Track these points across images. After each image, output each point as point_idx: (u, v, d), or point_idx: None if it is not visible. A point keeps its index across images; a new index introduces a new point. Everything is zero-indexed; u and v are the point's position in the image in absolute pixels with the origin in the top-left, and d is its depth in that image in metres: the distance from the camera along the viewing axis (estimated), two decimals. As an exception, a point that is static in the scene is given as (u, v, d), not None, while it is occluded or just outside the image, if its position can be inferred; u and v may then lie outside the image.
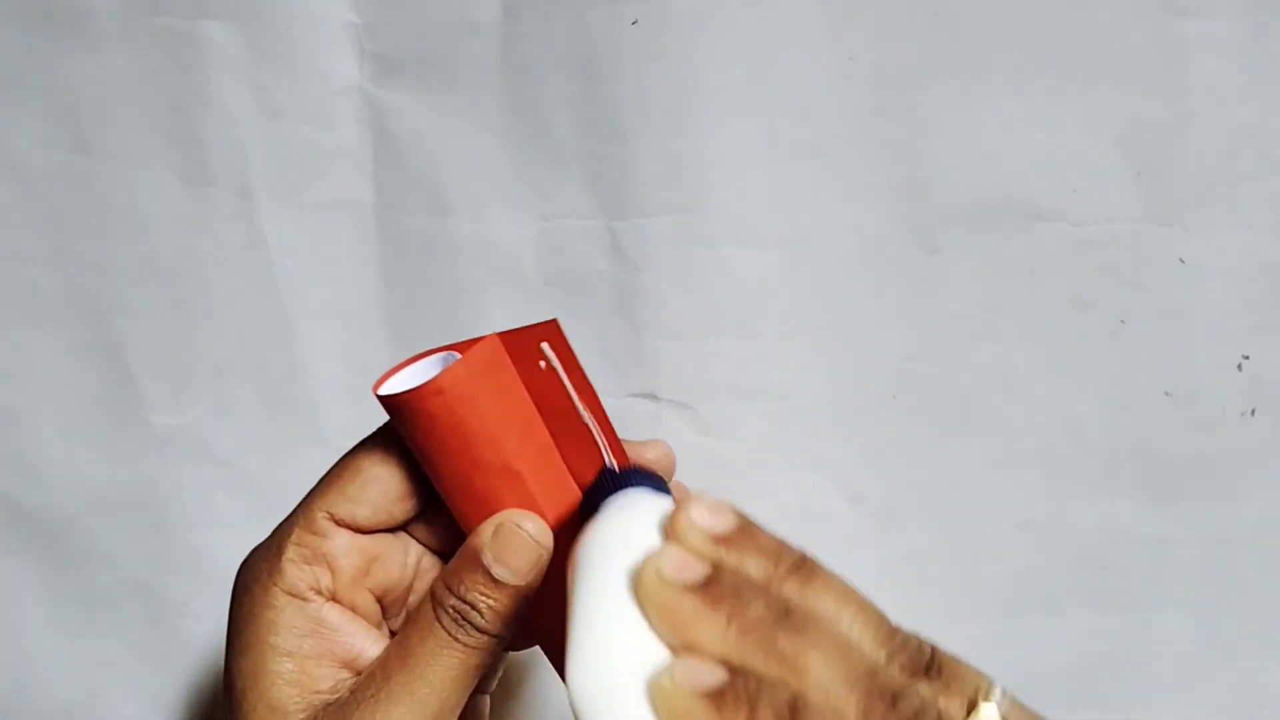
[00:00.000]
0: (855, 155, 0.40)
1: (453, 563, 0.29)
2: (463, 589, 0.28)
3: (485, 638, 0.28)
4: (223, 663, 0.43)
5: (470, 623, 0.28)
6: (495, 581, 0.28)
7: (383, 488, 0.29)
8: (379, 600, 0.31)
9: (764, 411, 0.42)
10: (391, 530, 0.31)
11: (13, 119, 0.42)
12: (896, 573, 0.42)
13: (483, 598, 0.28)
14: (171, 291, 0.43)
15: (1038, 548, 0.41)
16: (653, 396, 0.42)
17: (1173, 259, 0.40)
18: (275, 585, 0.29)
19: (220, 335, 0.43)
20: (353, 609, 0.30)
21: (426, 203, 0.42)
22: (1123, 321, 0.40)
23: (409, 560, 0.31)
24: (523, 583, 0.28)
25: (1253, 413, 0.40)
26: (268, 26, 0.40)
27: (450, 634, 0.28)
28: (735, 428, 0.42)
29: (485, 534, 0.28)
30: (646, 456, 0.33)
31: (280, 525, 0.30)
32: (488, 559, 0.28)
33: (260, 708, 0.28)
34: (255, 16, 0.40)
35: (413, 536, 0.31)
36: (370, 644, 0.29)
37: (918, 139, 0.39)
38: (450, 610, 0.28)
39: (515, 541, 0.28)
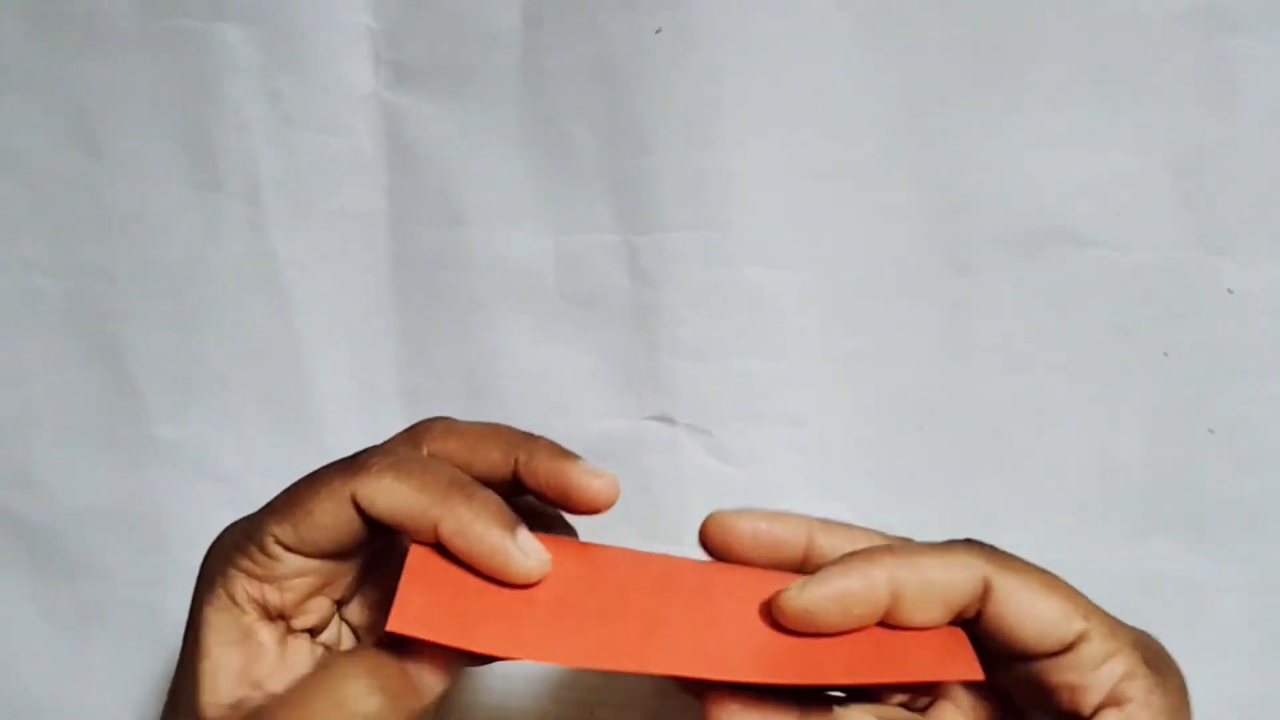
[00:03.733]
0: (886, 173, 0.39)
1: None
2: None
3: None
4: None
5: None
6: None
7: (331, 535, 0.29)
8: (336, 603, 0.31)
9: (785, 439, 0.40)
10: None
11: (22, 120, 0.41)
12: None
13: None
14: (178, 300, 0.42)
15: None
16: (669, 420, 0.41)
17: (1220, 289, 0.38)
18: (223, 589, 0.29)
19: (226, 346, 0.42)
20: (304, 617, 0.30)
21: (441, 214, 0.41)
22: (1166, 354, 0.39)
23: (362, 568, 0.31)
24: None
25: (1302, 454, 0.39)
26: (284, 31, 0.40)
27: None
28: (754, 454, 0.40)
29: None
30: None
31: (245, 526, 0.30)
32: None
33: (181, 705, 0.29)
34: (271, 20, 0.40)
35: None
36: (294, 654, 0.30)
37: (952, 158, 0.38)
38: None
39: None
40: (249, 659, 0.29)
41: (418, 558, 0.28)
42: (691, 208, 0.39)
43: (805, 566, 0.30)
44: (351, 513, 0.28)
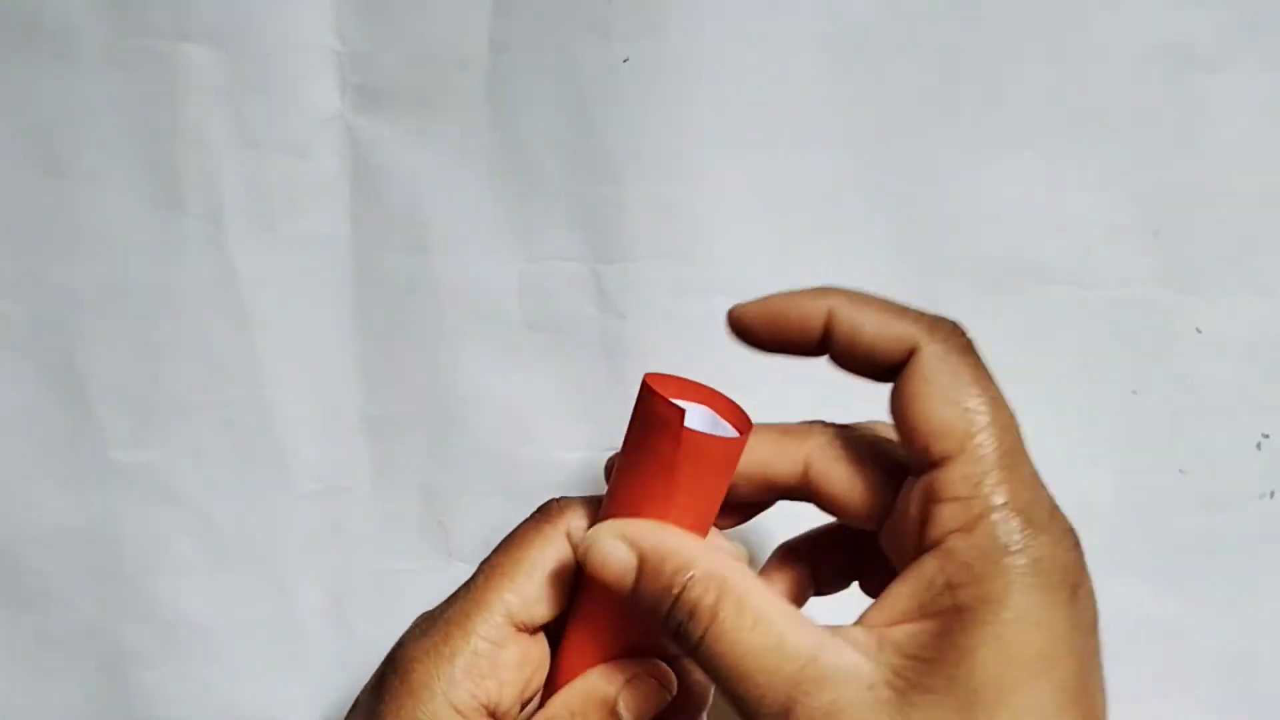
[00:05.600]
0: (855, 206, 0.38)
1: (573, 700, 0.28)
2: None
3: None
4: (180, 714, 0.42)
5: None
6: None
7: (561, 584, 0.28)
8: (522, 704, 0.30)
9: (752, 471, 0.40)
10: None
11: (-18, 138, 0.41)
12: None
13: None
14: (138, 322, 0.41)
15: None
16: (635, 451, 0.40)
17: (1189, 328, 0.38)
18: (445, 696, 0.27)
19: (187, 369, 0.41)
20: None
21: (406, 240, 0.40)
22: (1135, 392, 0.38)
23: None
24: None
25: (1272, 494, 0.38)
26: (249, 52, 0.39)
27: None
28: (721, 487, 0.40)
29: (617, 682, 0.28)
30: None
31: (452, 615, 0.28)
32: (620, 709, 0.28)
33: None
34: (236, 41, 0.39)
35: None
36: None
37: (921, 191, 0.38)
38: None
39: (649, 692, 0.28)
40: None
41: None
42: (659, 236, 0.39)
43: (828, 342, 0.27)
44: (568, 553, 0.28)
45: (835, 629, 0.25)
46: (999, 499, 0.24)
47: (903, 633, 0.24)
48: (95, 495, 0.42)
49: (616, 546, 0.27)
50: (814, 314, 0.27)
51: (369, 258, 0.41)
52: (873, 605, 0.26)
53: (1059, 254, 0.38)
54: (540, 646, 0.29)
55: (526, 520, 0.29)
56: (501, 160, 0.39)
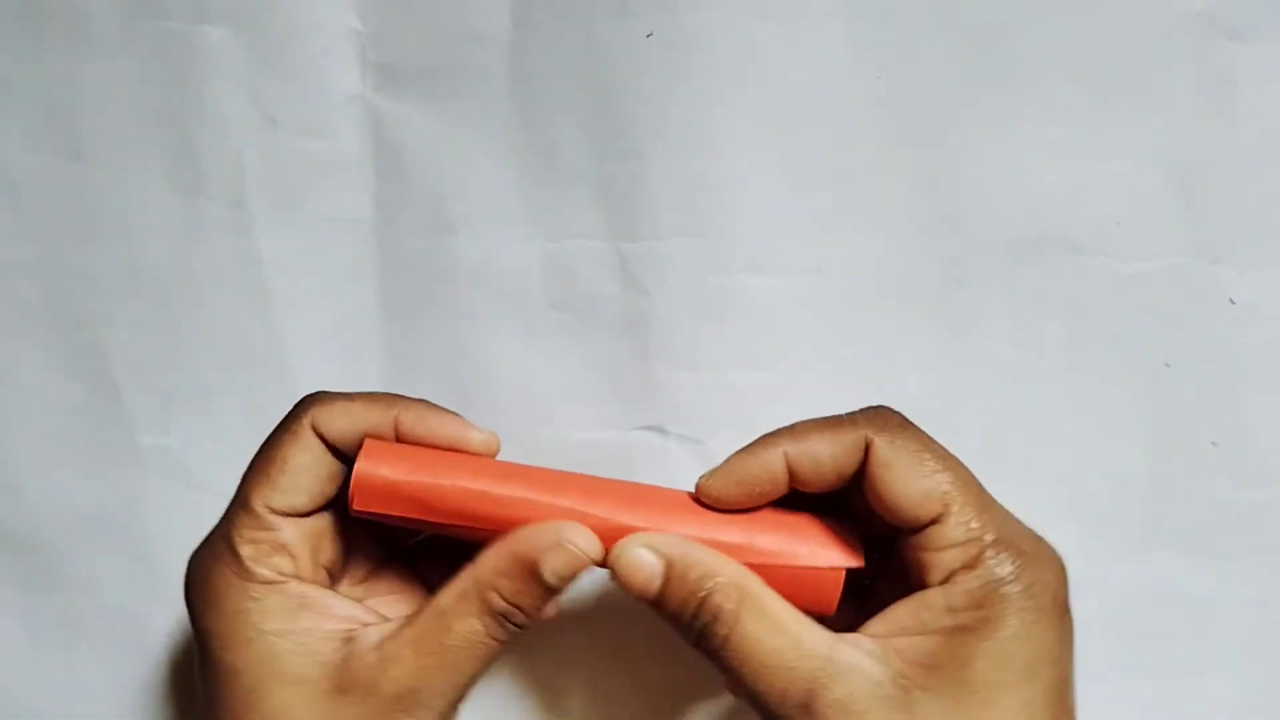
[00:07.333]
0: (881, 181, 0.38)
1: (499, 565, 0.29)
2: (515, 596, 0.29)
3: (519, 631, 0.30)
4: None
5: (512, 622, 0.30)
6: (545, 587, 0.29)
7: (312, 474, 0.31)
8: (327, 571, 0.33)
9: (778, 449, 0.40)
10: (328, 508, 0.32)
11: (3, 123, 0.41)
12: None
13: (530, 602, 0.30)
14: (161, 305, 0.41)
15: (1072, 606, 0.39)
16: (660, 430, 0.40)
17: (1222, 299, 0.38)
18: (246, 581, 0.30)
19: (210, 352, 0.41)
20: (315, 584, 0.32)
21: (428, 220, 0.40)
22: (1167, 364, 0.38)
23: (343, 528, 0.33)
24: (566, 587, 0.30)
25: (1306, 466, 0.38)
26: (268, 32, 0.39)
27: (492, 635, 0.30)
28: (747, 466, 0.40)
29: (541, 545, 0.29)
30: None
31: (221, 527, 0.32)
32: (546, 571, 0.29)
33: (284, 687, 0.29)
34: (256, 22, 0.39)
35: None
36: (346, 605, 0.31)
37: (949, 165, 0.38)
38: (498, 616, 0.30)
39: (570, 559, 0.29)
40: (318, 614, 0.30)
41: (372, 445, 0.31)
42: (683, 214, 0.38)
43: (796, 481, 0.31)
44: (319, 447, 0.31)
45: (841, 635, 0.29)
46: (990, 537, 0.28)
47: (905, 643, 0.28)
48: (120, 478, 0.42)
49: (644, 554, 0.30)
50: (775, 465, 0.30)
51: (391, 238, 0.40)
52: (874, 619, 0.30)
53: (1090, 225, 0.37)
54: (322, 520, 0.32)
55: (281, 420, 0.32)
56: (524, 138, 0.39)
